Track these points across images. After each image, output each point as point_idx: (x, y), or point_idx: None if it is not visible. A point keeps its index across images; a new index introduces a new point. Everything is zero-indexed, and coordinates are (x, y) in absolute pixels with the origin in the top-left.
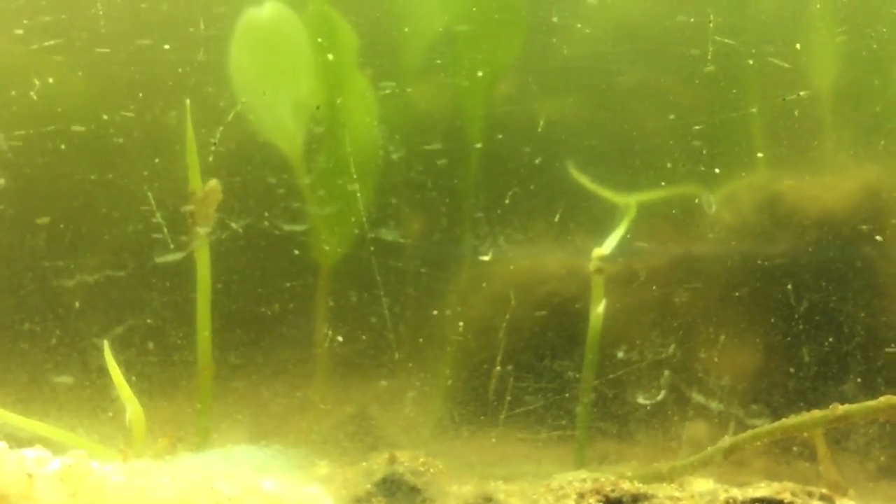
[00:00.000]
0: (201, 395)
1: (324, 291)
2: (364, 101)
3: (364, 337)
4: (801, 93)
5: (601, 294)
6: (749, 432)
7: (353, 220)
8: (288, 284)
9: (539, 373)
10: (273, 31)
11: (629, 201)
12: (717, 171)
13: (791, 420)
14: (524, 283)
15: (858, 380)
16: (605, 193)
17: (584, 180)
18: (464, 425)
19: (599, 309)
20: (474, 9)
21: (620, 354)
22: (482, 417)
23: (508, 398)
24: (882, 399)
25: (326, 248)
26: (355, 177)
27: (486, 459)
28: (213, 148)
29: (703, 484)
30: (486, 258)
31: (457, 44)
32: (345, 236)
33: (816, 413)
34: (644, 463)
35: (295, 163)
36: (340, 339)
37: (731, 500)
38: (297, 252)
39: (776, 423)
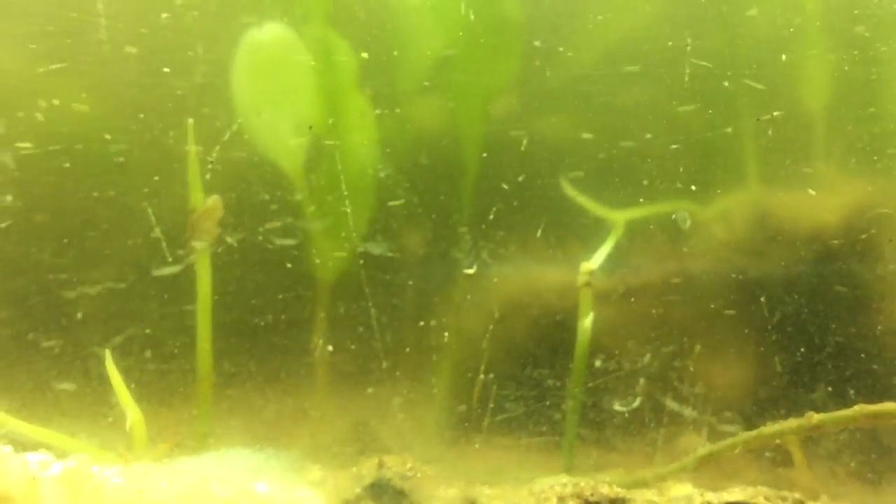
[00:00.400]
0: (201, 403)
1: (321, 305)
2: (363, 121)
3: (355, 347)
4: (775, 113)
5: (589, 307)
6: (728, 440)
7: (352, 236)
8: (285, 297)
9: (529, 384)
10: (274, 52)
11: (617, 218)
12: (693, 188)
13: (769, 428)
14: (519, 298)
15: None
16: (598, 210)
17: (577, 197)
18: (450, 431)
19: (587, 322)
20: (471, 32)
21: (599, 363)
22: (467, 424)
23: (492, 406)
24: (856, 408)
25: (326, 263)
26: (354, 194)
27: (475, 465)
28: (210, 166)
29: (680, 488)
30: (472, 271)
31: (454, 65)
32: (344, 252)
33: (793, 422)
34: (630, 469)
35: (296, 181)
36: (331, 348)
37: None
38: (295, 266)
39: (754, 431)
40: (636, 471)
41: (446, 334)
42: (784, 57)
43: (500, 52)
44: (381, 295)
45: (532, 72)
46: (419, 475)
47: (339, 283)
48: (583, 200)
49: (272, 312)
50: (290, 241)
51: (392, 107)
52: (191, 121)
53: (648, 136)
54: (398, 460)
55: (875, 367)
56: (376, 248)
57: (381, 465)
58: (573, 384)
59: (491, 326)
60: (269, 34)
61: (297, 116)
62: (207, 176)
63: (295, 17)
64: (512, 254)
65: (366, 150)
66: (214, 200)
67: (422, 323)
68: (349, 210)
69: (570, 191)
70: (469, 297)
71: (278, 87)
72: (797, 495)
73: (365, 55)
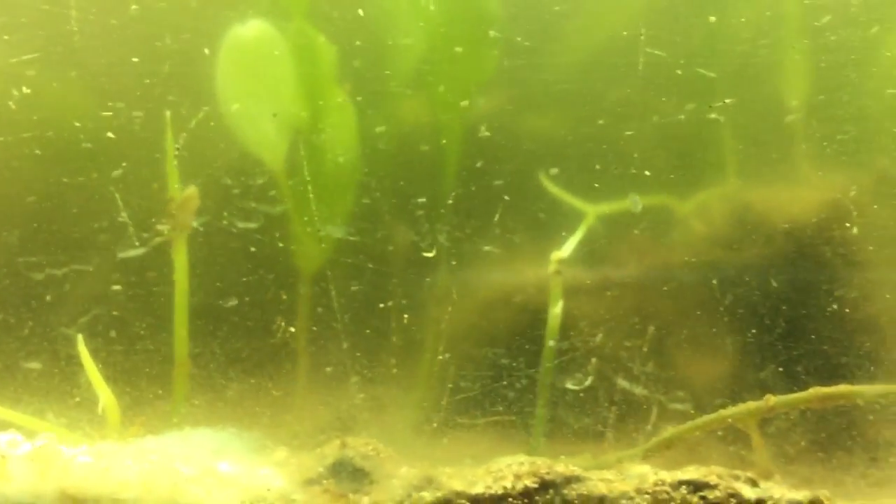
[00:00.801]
0: (177, 388)
1: (300, 292)
2: (343, 114)
3: (317, 328)
4: (727, 100)
5: (559, 295)
6: (690, 423)
7: (333, 226)
8: (262, 284)
9: (502, 370)
10: (257, 48)
11: (588, 209)
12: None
13: (728, 411)
14: (489, 285)
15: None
16: (573, 202)
17: (553, 189)
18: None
19: (557, 309)
20: (451, 28)
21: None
22: (426, 405)
23: (459, 389)
24: (811, 390)
25: (306, 252)
26: (334, 186)
27: (441, 448)
28: (177, 152)
29: (636, 468)
30: (431, 254)
31: (434, 59)
32: (324, 242)
33: (752, 404)
34: (596, 454)
35: (278, 173)
36: (293, 329)
37: (659, 483)
38: (275, 256)
39: (715, 414)
40: (601, 454)
41: (406, 316)
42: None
43: (478, 46)
44: (350, 281)
45: (511, 67)
46: (381, 455)
47: (319, 272)
48: (559, 193)
49: (249, 299)
50: (267, 231)
51: (372, 100)
52: (168, 113)
53: (626, 129)
54: (361, 441)
55: (825, 348)
56: (353, 237)
57: (343, 446)
58: (543, 370)
59: (450, 309)
60: (251, 30)
61: (279, 110)
62: (187, 166)
63: (276, 13)
64: (486, 243)
65: (346, 143)
66: (191, 190)
67: (381, 305)
68: (329, 201)
69: (547, 184)
70: (428, 279)
71: (261, 81)
72: (750, 474)
73: (340, 49)
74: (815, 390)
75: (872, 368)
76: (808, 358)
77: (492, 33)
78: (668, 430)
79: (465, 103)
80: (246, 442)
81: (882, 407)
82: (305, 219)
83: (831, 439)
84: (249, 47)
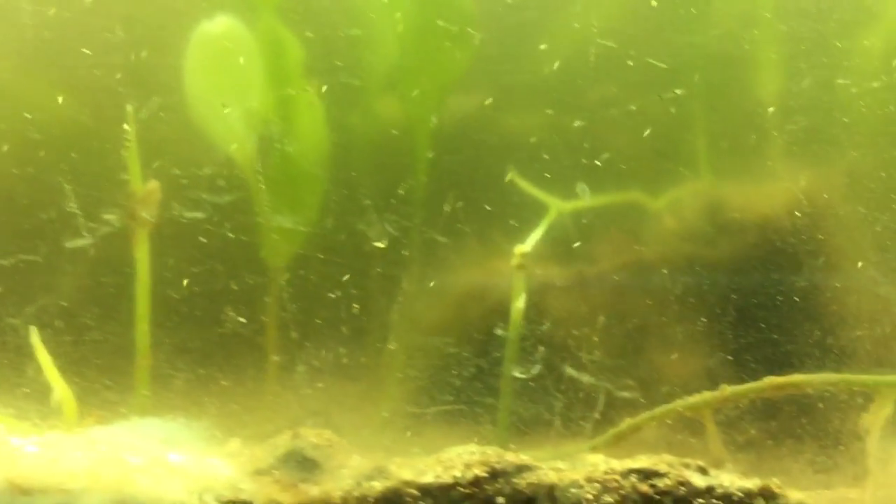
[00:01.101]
0: (138, 381)
1: (272, 289)
2: (311, 109)
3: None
4: (678, 91)
5: (522, 288)
6: (646, 413)
7: (301, 223)
8: (221, 276)
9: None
10: (225, 45)
11: (553, 203)
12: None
13: (684, 401)
14: (461, 279)
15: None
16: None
17: (524, 186)
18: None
19: (520, 303)
20: (424, 24)
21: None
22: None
23: (415, 380)
24: (765, 380)
25: (274, 246)
26: (303, 183)
27: (404, 442)
28: (129, 145)
29: (589, 457)
30: (382, 244)
31: (406, 56)
32: (293, 239)
33: (707, 394)
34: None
35: (246, 169)
36: (243, 320)
37: (609, 471)
38: (243, 252)
39: (671, 404)
40: (560, 446)
41: (356, 306)
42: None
43: (452, 43)
44: (317, 275)
45: (485, 63)
46: (334, 446)
47: (287, 266)
48: (530, 189)
49: (213, 293)
50: (234, 226)
51: (341, 96)
52: (129, 107)
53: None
54: (314, 432)
55: (775, 336)
56: (323, 235)
57: (295, 437)
58: (506, 363)
59: (415, 302)
60: (219, 26)
61: (247, 106)
62: (152, 160)
63: (244, 8)
64: (454, 237)
65: (313, 138)
66: (153, 184)
67: (349, 298)
68: (297, 195)
69: (517, 180)
70: (396, 273)
71: (229, 78)
72: (700, 462)
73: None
74: (769, 379)
75: (819, 357)
76: (757, 347)
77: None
78: (625, 422)
79: (435, 99)
80: (195, 431)
81: (831, 395)
82: (273, 213)
83: (780, 427)
84: (217, 43)
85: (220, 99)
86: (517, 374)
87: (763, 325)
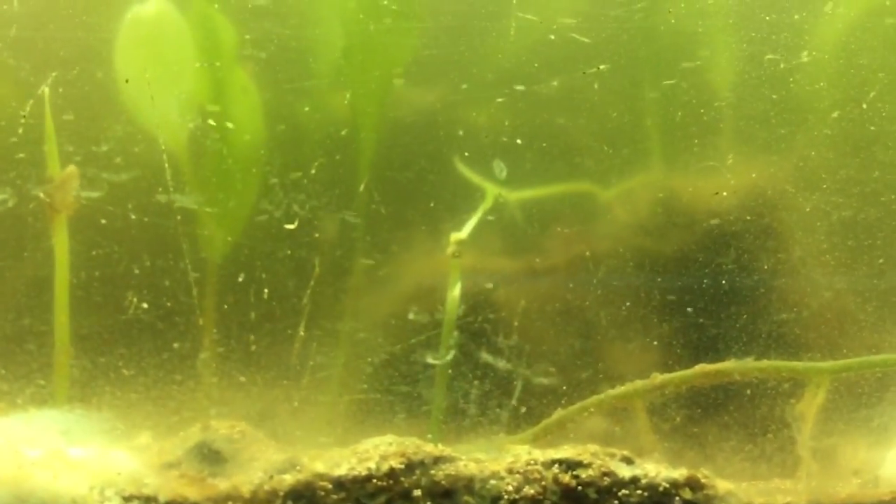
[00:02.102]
0: (58, 376)
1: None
2: (246, 96)
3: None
4: (601, 66)
5: (458, 277)
6: (578, 404)
7: (238, 213)
8: (155, 269)
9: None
10: (157, 28)
11: (489, 188)
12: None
13: (616, 390)
14: (402, 270)
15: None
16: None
17: (469, 175)
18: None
19: (456, 292)
20: (369, 7)
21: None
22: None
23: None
24: (696, 368)
25: (210, 238)
26: (238, 170)
27: (325, 434)
28: (22, 121)
29: (515, 448)
30: (292, 226)
31: (350, 42)
32: (229, 230)
33: (638, 383)
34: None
35: (180, 157)
36: (146, 305)
37: (531, 462)
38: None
39: (602, 394)
40: (493, 438)
41: (266, 291)
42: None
43: (394, 31)
44: (255, 268)
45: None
46: (248, 438)
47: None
48: (469, 175)
49: (145, 285)
50: (169, 217)
51: (279, 83)
52: (46, 89)
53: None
54: (227, 424)
55: (701, 321)
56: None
57: (205, 429)
58: (441, 355)
59: (312, 283)
60: (151, 9)
61: (180, 92)
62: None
63: None
64: (395, 227)
65: (249, 125)
66: (71, 169)
67: (286, 292)
68: (234, 185)
69: (462, 169)
70: (336, 265)
71: (161, 62)
72: (625, 452)
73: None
74: (701, 367)
75: (746, 341)
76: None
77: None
78: (557, 412)
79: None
80: (95, 423)
81: (759, 381)
82: (209, 204)
83: (706, 415)
84: (149, 26)
85: (152, 83)
86: (431, 361)
87: (689, 310)
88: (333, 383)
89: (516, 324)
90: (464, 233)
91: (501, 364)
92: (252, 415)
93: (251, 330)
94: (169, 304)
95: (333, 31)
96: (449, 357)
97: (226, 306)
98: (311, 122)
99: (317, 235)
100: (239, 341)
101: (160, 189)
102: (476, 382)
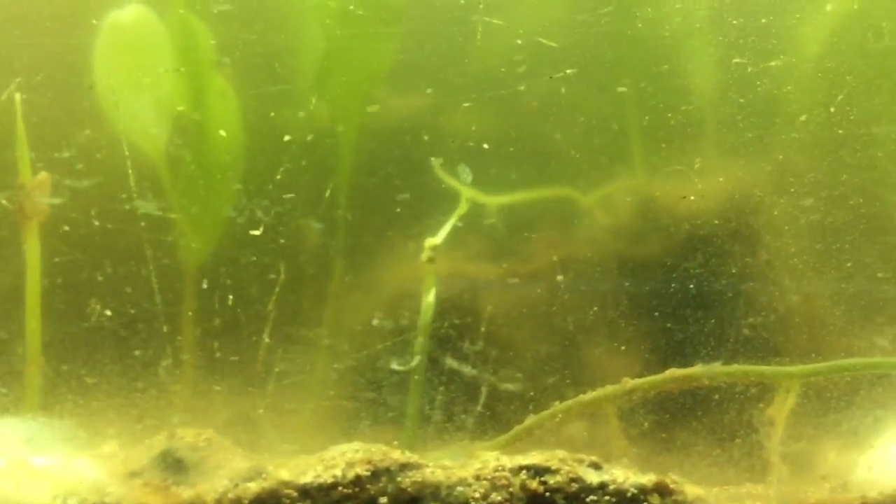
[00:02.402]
0: (28, 385)
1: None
2: (224, 102)
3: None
4: (568, 71)
5: (433, 282)
6: (549, 410)
7: (217, 219)
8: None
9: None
10: (136, 33)
11: (464, 191)
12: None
13: (587, 396)
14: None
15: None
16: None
17: (449, 180)
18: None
19: (430, 297)
20: (349, 14)
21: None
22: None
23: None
24: (667, 372)
25: (188, 245)
26: (217, 175)
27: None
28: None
29: (484, 454)
30: (258, 232)
31: (331, 48)
32: (208, 236)
33: (610, 388)
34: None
35: (158, 162)
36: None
37: (499, 468)
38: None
39: (573, 400)
40: (464, 446)
41: (231, 297)
42: None
43: (375, 36)
44: (233, 275)
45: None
46: (214, 446)
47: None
48: (455, 184)
49: (121, 292)
50: (147, 223)
51: (258, 89)
52: (18, 95)
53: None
54: (193, 432)
55: (669, 325)
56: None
57: (171, 437)
58: (416, 362)
59: (277, 289)
60: (130, 15)
61: (158, 97)
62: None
63: None
64: (372, 232)
65: (228, 131)
66: (43, 176)
67: (261, 298)
68: (212, 190)
69: (441, 174)
70: (312, 270)
71: (139, 68)
72: (594, 458)
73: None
74: (672, 372)
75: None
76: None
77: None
78: (529, 418)
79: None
80: (57, 431)
81: (727, 386)
82: (187, 210)
83: (674, 420)
84: (128, 32)
85: (131, 90)
86: (396, 367)
87: (657, 314)
88: (300, 390)
89: (483, 329)
90: (438, 238)
91: (471, 370)
92: (224, 422)
93: (226, 336)
94: (134, 311)
95: (313, 37)
96: (416, 363)
97: (207, 314)
98: (289, 128)
99: (283, 241)
100: (217, 348)
101: (125, 196)
102: (448, 389)
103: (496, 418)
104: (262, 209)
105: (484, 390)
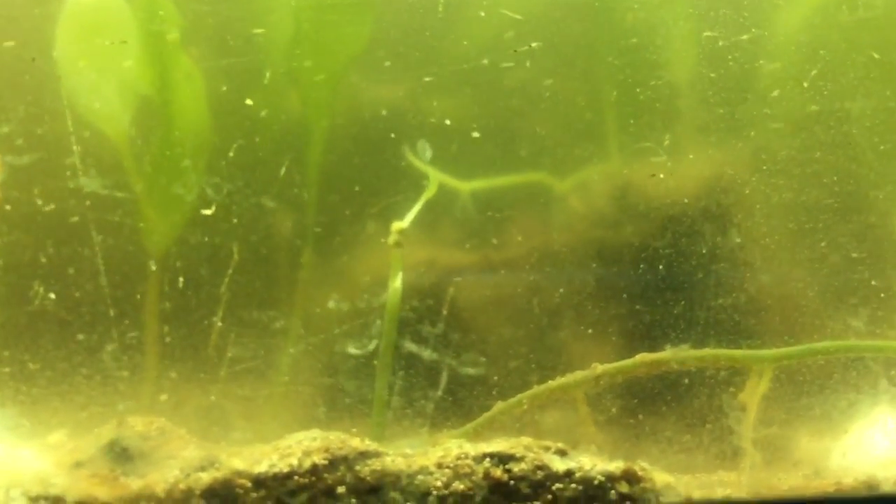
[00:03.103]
0: None
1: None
2: (190, 84)
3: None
4: (533, 44)
5: (399, 267)
6: (517, 397)
7: (181, 204)
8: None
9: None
10: (98, 13)
11: (433, 175)
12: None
13: (556, 382)
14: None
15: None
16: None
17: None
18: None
19: (398, 283)
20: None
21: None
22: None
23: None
24: (637, 357)
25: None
26: (184, 159)
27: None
28: None
29: (447, 441)
30: (209, 212)
31: (300, 31)
32: (173, 221)
33: (579, 374)
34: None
35: (121, 146)
36: (53, 296)
37: (462, 456)
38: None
39: (543, 386)
40: (431, 433)
41: (181, 279)
42: None
43: (349, 18)
44: (199, 260)
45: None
46: (166, 435)
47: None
48: (428, 170)
49: (88, 278)
50: (110, 208)
51: (226, 70)
52: None
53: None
54: (144, 421)
55: (638, 307)
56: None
57: (119, 425)
58: (383, 348)
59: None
60: None
61: (122, 79)
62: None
63: None
64: (342, 219)
65: (193, 113)
66: None
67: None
68: (177, 174)
69: (415, 160)
70: (280, 258)
71: (102, 49)
72: (560, 445)
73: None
74: (641, 357)
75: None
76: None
77: None
78: (497, 406)
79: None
80: (0, 420)
81: (698, 370)
82: (151, 194)
83: (643, 405)
84: (91, 13)
85: (93, 72)
86: (352, 351)
87: (625, 296)
88: (252, 376)
89: (445, 313)
90: (405, 222)
91: (433, 355)
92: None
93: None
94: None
95: (284, 18)
96: (373, 347)
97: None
98: (257, 110)
99: (237, 222)
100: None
101: (69, 174)
102: (419, 375)
103: (459, 404)
104: (224, 192)
105: (445, 375)
